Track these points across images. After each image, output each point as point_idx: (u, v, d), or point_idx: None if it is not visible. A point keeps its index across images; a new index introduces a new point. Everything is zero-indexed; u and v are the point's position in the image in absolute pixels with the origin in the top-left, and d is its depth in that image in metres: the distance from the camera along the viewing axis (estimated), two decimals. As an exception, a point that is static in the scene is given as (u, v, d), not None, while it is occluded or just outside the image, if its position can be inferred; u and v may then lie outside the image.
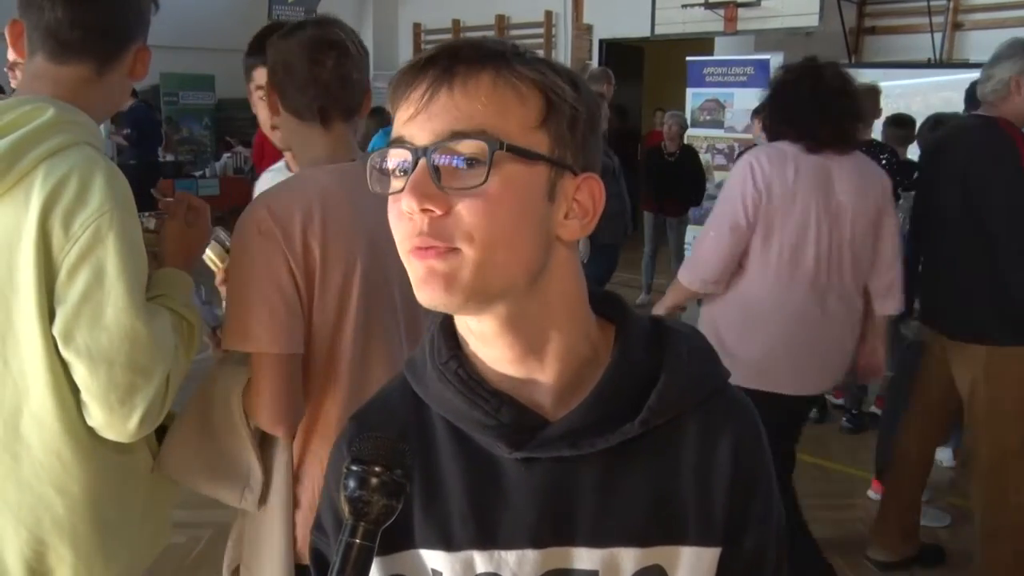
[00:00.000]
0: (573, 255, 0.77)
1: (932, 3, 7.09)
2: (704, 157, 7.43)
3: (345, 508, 0.70)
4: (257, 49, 1.76)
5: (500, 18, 10.35)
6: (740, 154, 5.08)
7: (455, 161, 0.69)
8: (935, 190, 2.81)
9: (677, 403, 0.78)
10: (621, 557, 0.77)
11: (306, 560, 1.44)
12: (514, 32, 10.28)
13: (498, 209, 0.69)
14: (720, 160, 7.16)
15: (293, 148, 1.61)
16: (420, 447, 0.81)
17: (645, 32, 8.26)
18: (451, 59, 0.70)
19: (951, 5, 7.28)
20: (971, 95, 3.95)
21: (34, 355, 1.23)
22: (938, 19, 7.21)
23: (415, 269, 0.71)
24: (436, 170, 0.68)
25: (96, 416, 1.26)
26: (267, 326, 1.36)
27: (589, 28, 9.67)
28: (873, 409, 4.65)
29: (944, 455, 4.05)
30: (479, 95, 0.69)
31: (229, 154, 10.68)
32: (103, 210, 1.21)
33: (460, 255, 0.69)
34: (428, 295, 0.70)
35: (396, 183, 0.71)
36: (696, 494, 0.78)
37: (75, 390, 1.26)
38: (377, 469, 0.70)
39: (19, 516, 1.28)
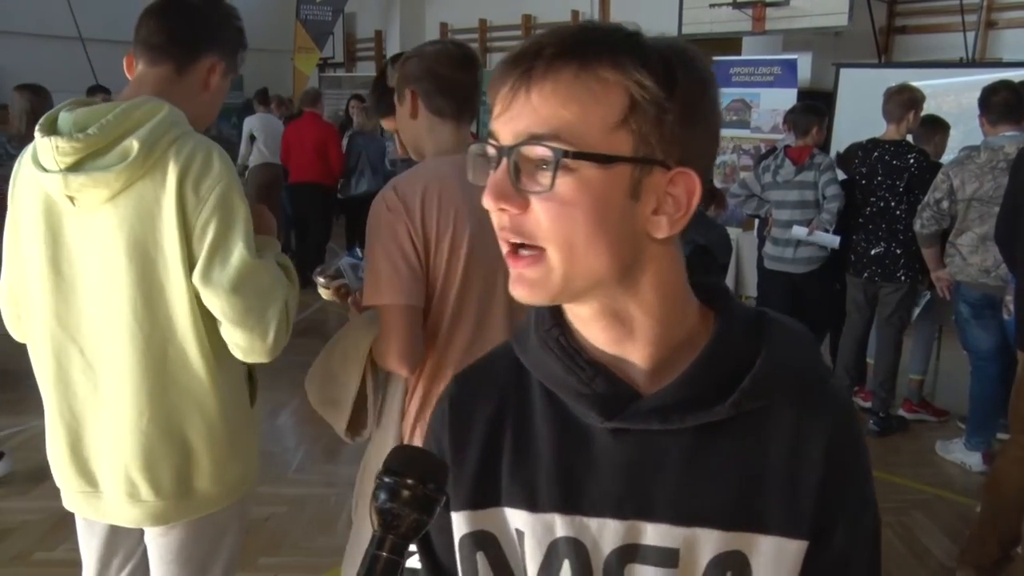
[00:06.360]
0: (668, 249, 0.77)
1: (965, 1, 6.97)
2: (730, 157, 7.38)
3: (374, 519, 0.69)
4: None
5: (526, 17, 10.34)
6: (763, 156, 5.03)
7: (531, 163, 0.71)
8: None
9: (770, 389, 0.78)
10: (702, 538, 0.77)
11: None
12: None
13: (571, 212, 0.71)
14: (746, 160, 7.10)
15: (424, 142, 1.82)
16: (517, 409, 0.85)
17: (672, 31, 8.21)
18: (534, 57, 0.71)
19: (984, 3, 7.15)
20: (985, 100, 3.84)
21: (180, 301, 1.55)
22: (971, 18, 7.08)
23: (510, 267, 0.76)
24: (517, 170, 0.72)
25: (239, 341, 1.57)
26: (393, 283, 1.66)
27: (616, 27, 9.63)
28: (901, 412, 4.61)
29: (973, 459, 4.00)
30: (556, 96, 0.70)
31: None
32: (221, 176, 1.54)
33: (546, 260, 0.73)
34: (517, 294, 0.76)
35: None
36: (783, 483, 0.77)
37: (208, 328, 1.58)
38: (409, 482, 0.68)
39: (171, 434, 1.60)
